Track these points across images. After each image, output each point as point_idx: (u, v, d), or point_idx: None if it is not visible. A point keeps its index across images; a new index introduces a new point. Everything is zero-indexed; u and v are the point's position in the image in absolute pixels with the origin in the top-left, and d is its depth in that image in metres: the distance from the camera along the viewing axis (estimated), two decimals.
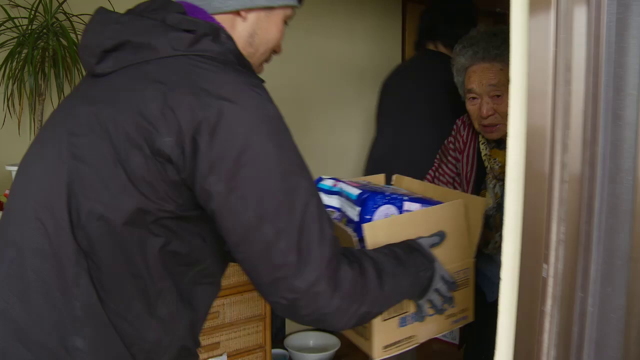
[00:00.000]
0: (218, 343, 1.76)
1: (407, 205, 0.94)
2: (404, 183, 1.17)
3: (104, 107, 0.67)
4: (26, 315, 0.67)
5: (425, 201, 0.97)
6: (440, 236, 0.89)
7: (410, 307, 0.91)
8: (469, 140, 1.35)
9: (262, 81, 0.73)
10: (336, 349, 2.37)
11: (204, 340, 1.73)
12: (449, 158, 1.39)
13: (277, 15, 0.79)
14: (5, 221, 0.72)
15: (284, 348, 2.36)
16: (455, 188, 1.36)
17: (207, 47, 0.68)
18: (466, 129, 1.37)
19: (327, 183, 1.05)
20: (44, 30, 1.60)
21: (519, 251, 0.57)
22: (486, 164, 1.28)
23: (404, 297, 0.81)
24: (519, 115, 0.57)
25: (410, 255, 0.80)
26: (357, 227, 0.91)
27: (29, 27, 1.59)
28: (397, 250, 0.79)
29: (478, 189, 1.32)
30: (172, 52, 0.67)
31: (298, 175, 0.66)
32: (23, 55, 1.57)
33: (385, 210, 0.91)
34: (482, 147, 1.30)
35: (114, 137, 0.64)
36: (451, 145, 1.39)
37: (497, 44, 1.17)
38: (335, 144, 2.64)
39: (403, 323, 0.91)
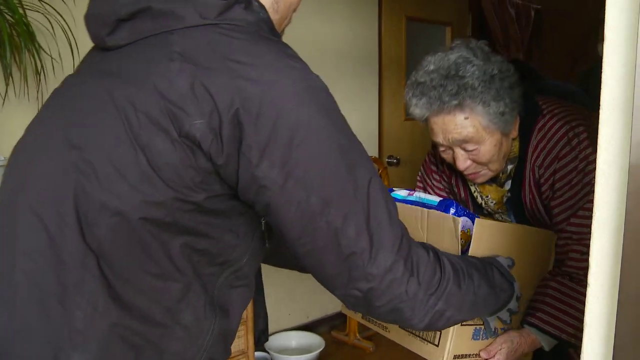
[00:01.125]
0: None
1: None
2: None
3: (119, 84, 0.60)
4: (12, 327, 0.60)
5: None
6: (512, 261, 0.86)
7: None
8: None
9: None
10: (320, 349, 2.25)
11: None
12: (433, 182, 1.19)
13: None
14: None
15: (264, 350, 2.22)
16: None
17: (239, 15, 0.62)
18: None
19: (401, 193, 1.01)
20: None
21: (620, 251, 0.46)
22: (479, 201, 1.12)
23: (480, 309, 0.76)
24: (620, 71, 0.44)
25: (487, 266, 0.77)
26: None
27: None
28: (471, 259, 0.76)
29: (475, 207, 1.15)
30: (200, 21, 0.60)
31: (356, 150, 0.62)
32: None
33: (464, 222, 0.87)
34: (468, 182, 1.12)
35: (132, 119, 0.58)
36: (434, 167, 1.19)
37: (453, 90, 0.92)
38: None
39: (476, 336, 0.88)
